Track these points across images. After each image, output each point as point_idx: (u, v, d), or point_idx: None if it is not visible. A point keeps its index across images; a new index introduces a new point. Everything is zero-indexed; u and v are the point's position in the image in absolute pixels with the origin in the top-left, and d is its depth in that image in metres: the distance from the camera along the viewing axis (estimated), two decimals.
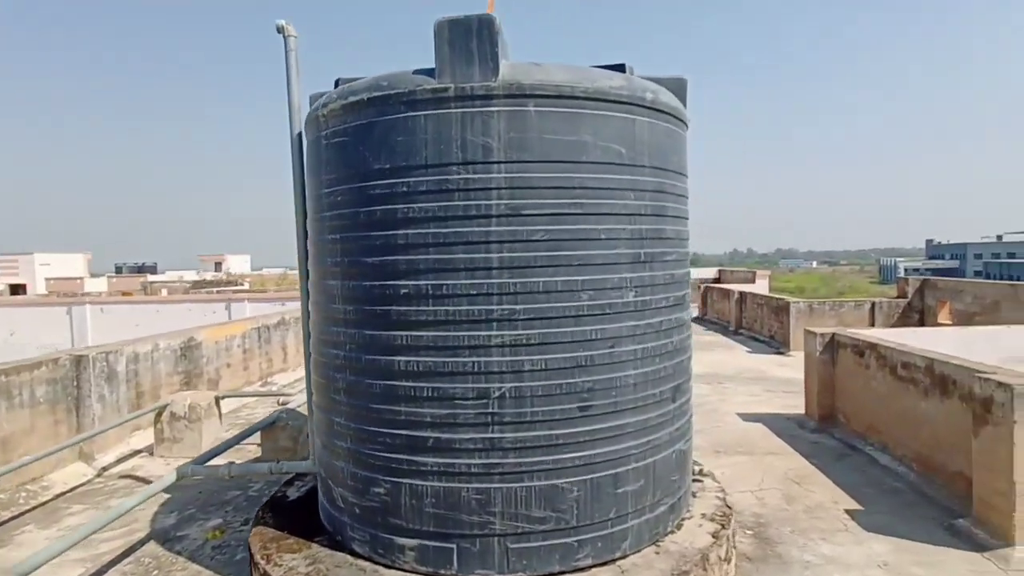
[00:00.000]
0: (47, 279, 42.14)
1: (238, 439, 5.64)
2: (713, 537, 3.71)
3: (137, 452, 6.97)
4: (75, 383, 6.41)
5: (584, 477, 3.35)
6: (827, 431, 7.06)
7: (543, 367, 3.28)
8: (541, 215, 3.27)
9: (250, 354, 10.11)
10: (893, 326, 11.92)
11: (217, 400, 7.13)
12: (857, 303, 12.64)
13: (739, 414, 7.90)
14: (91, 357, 6.54)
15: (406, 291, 3.33)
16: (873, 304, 12.55)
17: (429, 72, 3.30)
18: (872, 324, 12.15)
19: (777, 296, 13.02)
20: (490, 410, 3.27)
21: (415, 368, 3.32)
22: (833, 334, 7.18)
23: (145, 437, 7.14)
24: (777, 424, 7.43)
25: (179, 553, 4.67)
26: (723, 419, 7.71)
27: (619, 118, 3.43)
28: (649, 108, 3.56)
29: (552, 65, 3.34)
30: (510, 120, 3.22)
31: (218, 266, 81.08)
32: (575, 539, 3.35)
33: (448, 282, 3.26)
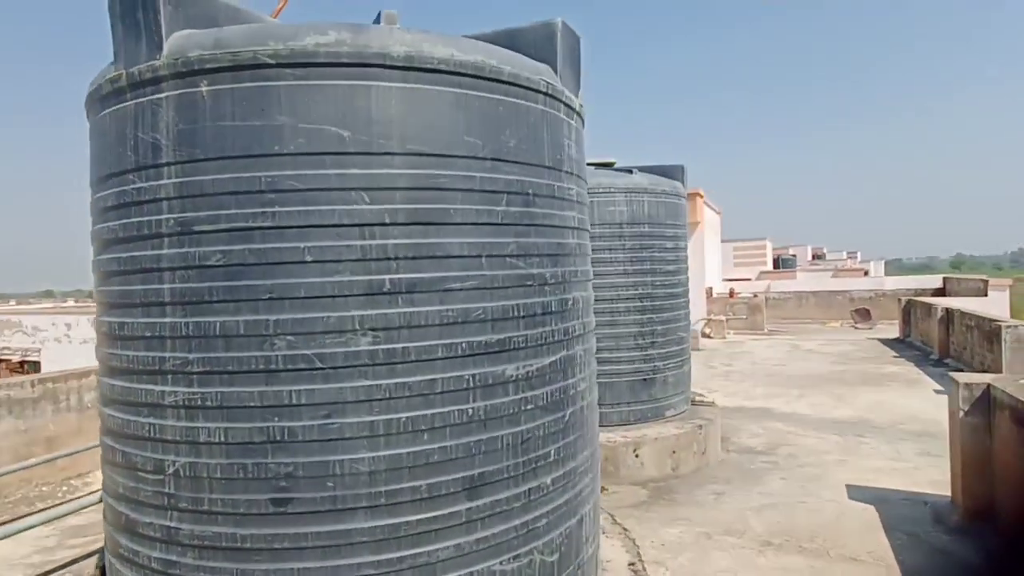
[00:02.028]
0: None
1: None
2: None
3: None
4: None
5: None
6: (973, 533, 4.62)
7: (222, 439, 2.39)
8: (217, 232, 2.38)
9: None
10: None
11: None
12: None
13: (850, 486, 5.64)
14: None
15: (104, 330, 2.72)
16: None
17: None
18: None
19: (989, 316, 9.14)
20: (166, 490, 2.48)
21: (113, 426, 2.69)
22: (988, 386, 4.68)
23: None
24: (899, 511, 5.11)
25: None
26: (819, 492, 5.57)
27: (338, 88, 2.37)
28: (402, 69, 2.42)
29: (236, 27, 2.43)
30: (179, 107, 2.41)
31: None
32: None
33: (128, 320, 2.57)
